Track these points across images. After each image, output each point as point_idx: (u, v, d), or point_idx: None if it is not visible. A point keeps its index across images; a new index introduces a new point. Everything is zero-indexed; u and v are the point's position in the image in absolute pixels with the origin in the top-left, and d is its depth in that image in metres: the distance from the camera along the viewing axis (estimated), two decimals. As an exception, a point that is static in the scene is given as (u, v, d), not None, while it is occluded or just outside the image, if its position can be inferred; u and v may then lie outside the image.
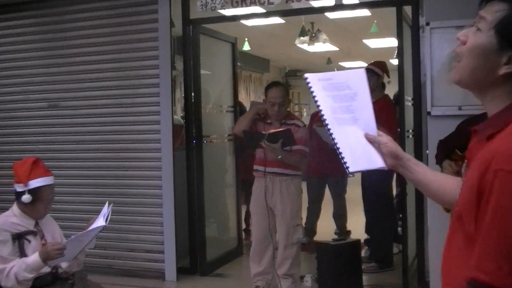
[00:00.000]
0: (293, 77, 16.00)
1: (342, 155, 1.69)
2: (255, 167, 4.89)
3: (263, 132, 4.62)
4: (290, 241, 4.77)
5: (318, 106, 1.72)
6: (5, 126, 6.19)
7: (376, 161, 1.71)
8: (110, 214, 3.25)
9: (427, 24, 4.41)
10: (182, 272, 5.60)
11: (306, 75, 1.74)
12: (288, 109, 5.05)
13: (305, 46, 10.71)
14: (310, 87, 1.72)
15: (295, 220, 4.81)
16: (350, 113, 1.73)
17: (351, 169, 1.68)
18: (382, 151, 1.72)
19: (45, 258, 3.14)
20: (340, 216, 6.72)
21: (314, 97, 1.72)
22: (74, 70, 5.89)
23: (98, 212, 3.29)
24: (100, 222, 3.20)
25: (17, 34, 6.16)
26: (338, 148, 1.69)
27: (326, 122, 1.70)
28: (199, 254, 5.71)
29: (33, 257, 3.15)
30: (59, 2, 5.94)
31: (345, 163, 1.68)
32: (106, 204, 3.32)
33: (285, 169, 4.72)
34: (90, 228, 3.20)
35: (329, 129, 1.70)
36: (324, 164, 6.21)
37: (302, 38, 9.41)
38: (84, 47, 5.85)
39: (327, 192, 6.69)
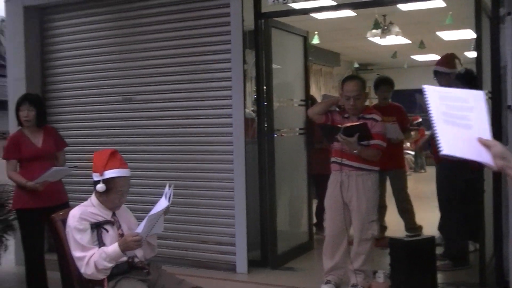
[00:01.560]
0: (363, 71, 15.80)
1: (438, 138, 1.74)
2: (332, 159, 4.85)
3: (339, 126, 4.58)
4: (364, 237, 4.72)
5: (429, 110, 1.78)
6: (81, 119, 6.40)
7: (485, 157, 1.77)
8: (172, 194, 3.31)
9: (508, 14, 4.25)
10: (253, 264, 5.63)
11: (425, 86, 1.82)
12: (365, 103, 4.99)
13: (376, 39, 10.56)
14: (426, 96, 1.79)
15: (370, 216, 4.74)
16: (462, 119, 1.80)
17: (444, 151, 1.73)
18: (491, 153, 1.77)
19: (124, 248, 3.22)
20: (404, 211, 6.60)
21: (427, 104, 1.78)
22: (147, 65, 6.01)
23: (171, 204, 3.33)
24: (163, 203, 3.26)
25: (92, 30, 6.34)
26: (435, 131, 1.75)
27: (432, 117, 1.76)
28: (270, 247, 5.73)
29: (113, 247, 3.24)
30: (133, -2, 6.08)
31: (439, 144, 1.73)
32: (167, 186, 3.37)
33: (362, 164, 4.67)
34: (155, 211, 3.26)
35: (432, 121, 1.77)
36: (385, 157, 6.13)
37: (374, 31, 9.28)
38: (157, 42, 5.96)
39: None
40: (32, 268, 5.03)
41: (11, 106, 6.25)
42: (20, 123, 5.01)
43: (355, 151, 4.53)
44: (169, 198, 3.28)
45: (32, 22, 6.52)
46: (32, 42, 6.52)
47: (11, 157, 4.93)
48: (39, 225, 4.97)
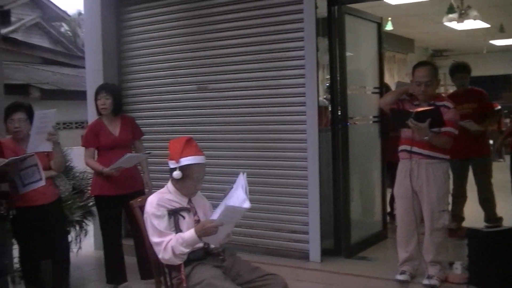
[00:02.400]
0: (439, 58, 15.38)
1: None
2: (401, 147, 4.77)
3: (411, 111, 4.48)
4: (436, 226, 4.63)
5: None
6: (158, 108, 6.52)
7: None
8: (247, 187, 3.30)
9: None
10: (326, 253, 5.61)
11: None
12: (436, 90, 4.86)
13: (453, 24, 10.23)
14: None
15: (441, 205, 4.64)
16: None
17: None
18: None
19: (201, 234, 3.26)
20: (486, 201, 6.41)
21: None
22: (221, 53, 6.05)
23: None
24: (241, 196, 3.26)
25: (166, 20, 6.44)
26: None
27: None
28: (344, 236, 5.69)
29: (190, 233, 3.29)
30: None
31: None
32: (242, 176, 3.37)
33: (432, 152, 4.56)
34: (233, 203, 3.27)
35: None
36: (468, 145, 5.96)
37: (450, 15, 8.99)
38: (230, 31, 5.99)
39: (471, 177, 6.41)
40: (110, 252, 5.20)
41: (90, 97, 6.45)
42: (98, 112, 5.17)
43: (425, 138, 4.43)
44: (247, 194, 3.28)
45: (108, 15, 6.69)
46: (109, 34, 6.69)
47: (90, 145, 5.10)
48: (117, 211, 5.12)
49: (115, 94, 5.17)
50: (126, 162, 4.90)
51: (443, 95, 5.45)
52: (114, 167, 4.87)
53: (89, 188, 5.92)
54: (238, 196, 3.30)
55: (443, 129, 4.49)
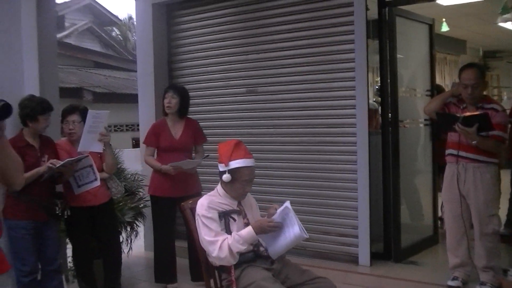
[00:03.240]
0: (492, 59, 15.05)
1: None
2: (447, 150, 4.69)
3: (458, 115, 4.41)
4: (485, 232, 4.53)
5: None
6: (207, 110, 6.58)
7: None
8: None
9: None
10: (375, 257, 5.56)
11: None
12: (485, 93, 4.76)
13: (507, 25, 10.01)
14: None
15: (490, 209, 4.54)
16: None
17: None
18: None
19: (259, 231, 3.30)
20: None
21: None
22: (271, 57, 6.07)
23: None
24: (301, 233, 3.28)
25: (216, 24, 6.50)
26: None
27: None
28: (394, 240, 5.62)
29: (247, 230, 3.33)
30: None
31: None
32: (287, 204, 3.37)
33: (479, 155, 4.48)
34: (293, 234, 3.31)
35: None
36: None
37: (504, 16, 8.80)
38: (280, 34, 6.00)
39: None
40: (159, 251, 5.26)
41: (141, 100, 6.56)
42: (163, 111, 5.21)
43: (473, 142, 4.35)
44: (302, 229, 3.29)
45: (160, 19, 6.79)
46: (160, 38, 6.79)
47: (150, 144, 5.18)
48: (170, 212, 5.18)
49: (183, 95, 5.20)
50: (185, 164, 4.96)
51: (492, 97, 5.31)
52: (172, 165, 4.93)
53: (140, 189, 6.03)
54: (293, 226, 3.32)
55: (491, 132, 4.39)
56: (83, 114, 4.59)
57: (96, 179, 4.53)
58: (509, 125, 6.27)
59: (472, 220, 4.62)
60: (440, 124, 4.58)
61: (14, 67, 4.98)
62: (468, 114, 4.35)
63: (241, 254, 3.37)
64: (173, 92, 5.11)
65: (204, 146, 5.41)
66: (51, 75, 5.41)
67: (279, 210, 3.38)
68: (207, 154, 5.29)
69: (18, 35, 4.98)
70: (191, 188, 5.14)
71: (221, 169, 3.49)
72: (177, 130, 5.16)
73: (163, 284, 5.28)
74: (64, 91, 7.99)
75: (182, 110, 5.18)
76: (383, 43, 5.61)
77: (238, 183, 3.47)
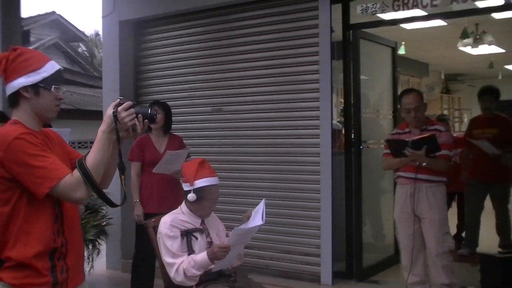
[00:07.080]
0: (453, 82, 15.38)
1: None
2: (401, 173, 4.76)
3: (406, 140, 4.51)
4: (441, 250, 4.59)
5: None
6: (174, 129, 6.48)
7: None
8: (265, 211, 3.33)
9: None
10: (337, 276, 5.60)
11: None
12: (426, 115, 4.87)
13: (467, 49, 10.25)
14: None
15: (444, 228, 4.64)
16: None
17: None
18: None
19: (213, 258, 3.29)
20: (504, 228, 6.37)
21: None
22: (237, 76, 6.13)
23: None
24: (257, 220, 3.28)
25: (185, 42, 6.54)
26: None
27: None
28: (356, 259, 5.68)
29: (201, 256, 3.32)
30: (224, 11, 6.20)
31: None
32: (262, 202, 3.40)
33: (431, 175, 4.58)
34: (249, 226, 3.30)
35: None
36: (488, 168, 5.96)
37: (465, 40, 9.03)
38: (246, 54, 6.07)
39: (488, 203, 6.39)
40: (135, 271, 5.17)
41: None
42: (148, 127, 5.12)
43: (423, 164, 4.46)
44: (263, 216, 3.30)
45: (126, 36, 6.80)
46: (126, 55, 6.79)
47: (136, 158, 5.09)
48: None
49: (167, 111, 5.16)
50: (169, 161, 4.85)
51: (433, 119, 5.45)
52: (158, 170, 4.86)
53: (103, 207, 5.98)
54: (255, 220, 3.32)
55: (439, 153, 4.50)
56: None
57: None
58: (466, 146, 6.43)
59: (425, 240, 4.68)
60: (391, 151, 4.65)
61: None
62: (416, 137, 4.46)
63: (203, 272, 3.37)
64: (158, 107, 5.06)
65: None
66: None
67: (253, 212, 3.39)
68: (189, 149, 5.17)
69: (-18, 49, 4.94)
70: (171, 204, 5.06)
71: (186, 189, 3.50)
72: (161, 145, 5.11)
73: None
74: (27, 106, 7.91)
75: (167, 126, 5.17)
76: (347, 64, 5.71)
77: (205, 202, 3.48)
